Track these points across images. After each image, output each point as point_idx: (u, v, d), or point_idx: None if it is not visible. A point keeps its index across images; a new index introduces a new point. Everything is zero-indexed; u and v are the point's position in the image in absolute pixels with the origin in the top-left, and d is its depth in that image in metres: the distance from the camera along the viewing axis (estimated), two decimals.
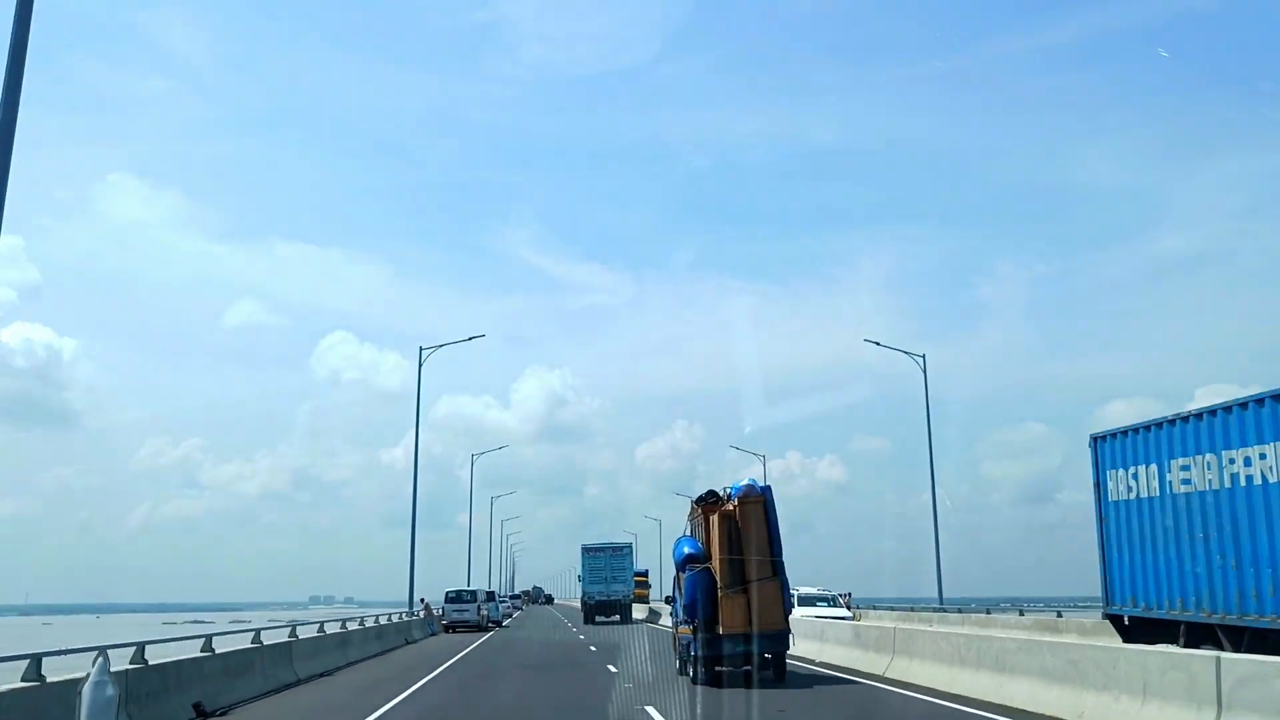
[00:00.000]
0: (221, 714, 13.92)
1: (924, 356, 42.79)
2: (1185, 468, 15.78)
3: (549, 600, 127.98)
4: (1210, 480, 15.02)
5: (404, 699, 15.66)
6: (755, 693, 15.14)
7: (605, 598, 51.48)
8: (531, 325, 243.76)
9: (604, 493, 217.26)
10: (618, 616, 51.23)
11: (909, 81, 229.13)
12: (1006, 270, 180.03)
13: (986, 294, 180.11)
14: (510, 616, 60.61)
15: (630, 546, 55.24)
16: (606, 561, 52.34)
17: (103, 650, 10.74)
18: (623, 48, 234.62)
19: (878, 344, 42.96)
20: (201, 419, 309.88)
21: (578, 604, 58.15)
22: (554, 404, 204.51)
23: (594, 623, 48.43)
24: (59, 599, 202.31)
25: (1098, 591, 18.96)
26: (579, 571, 55.41)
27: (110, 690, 10.19)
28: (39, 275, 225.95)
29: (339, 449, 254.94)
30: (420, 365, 43.18)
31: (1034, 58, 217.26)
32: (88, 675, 10.25)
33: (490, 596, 50.71)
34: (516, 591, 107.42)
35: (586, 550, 53.28)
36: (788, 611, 16.99)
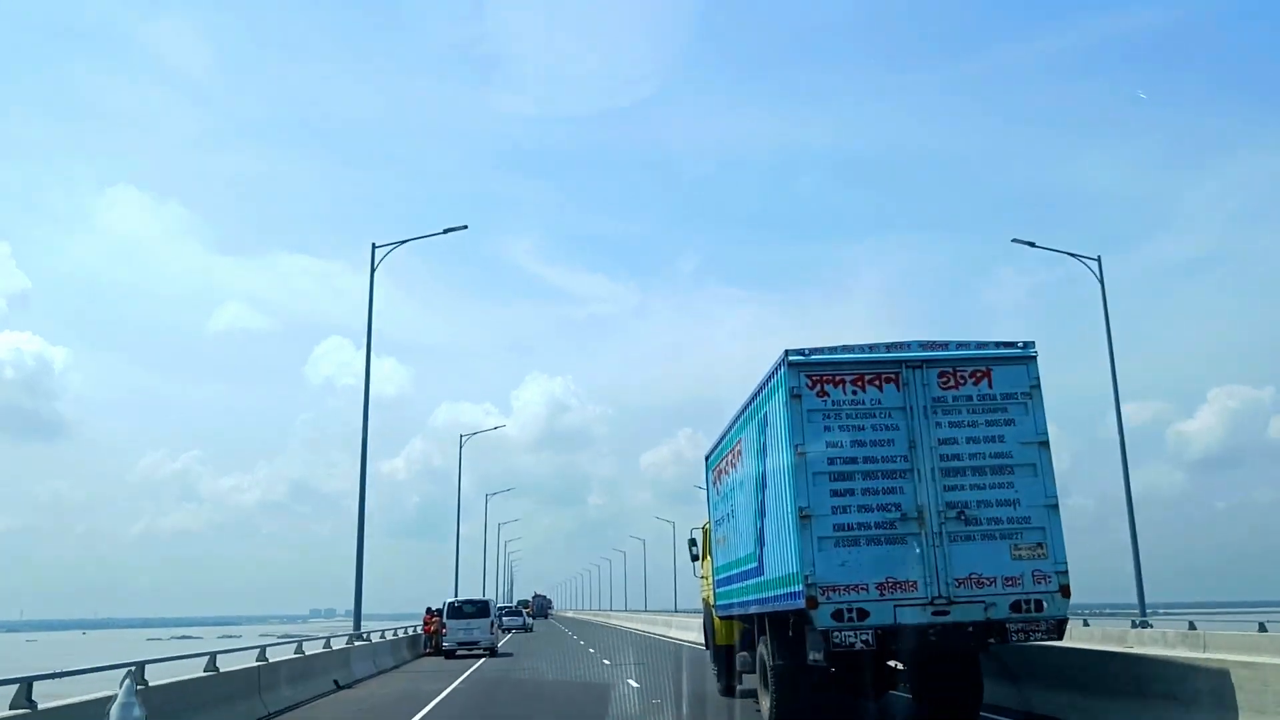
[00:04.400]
0: None
1: None
2: None
3: (544, 612, 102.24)
4: None
5: None
6: None
7: None
8: (533, 334, 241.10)
9: (607, 501, 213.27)
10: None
11: (912, 90, 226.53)
12: (1010, 275, 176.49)
13: (990, 298, 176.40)
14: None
15: None
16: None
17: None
18: (626, 66, 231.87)
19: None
20: (200, 431, 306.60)
21: (605, 619, 43.66)
22: (556, 411, 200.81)
23: None
24: (58, 615, 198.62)
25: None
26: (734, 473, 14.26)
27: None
28: (29, 283, 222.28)
29: (337, 459, 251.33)
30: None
31: (1037, 66, 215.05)
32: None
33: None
34: (514, 602, 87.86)
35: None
36: None
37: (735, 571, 14.14)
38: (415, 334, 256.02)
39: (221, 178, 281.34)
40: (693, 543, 19.35)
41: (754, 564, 12.51)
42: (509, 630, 55.23)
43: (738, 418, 13.54)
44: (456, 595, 43.25)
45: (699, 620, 34.39)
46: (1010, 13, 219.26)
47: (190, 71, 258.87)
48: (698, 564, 19.02)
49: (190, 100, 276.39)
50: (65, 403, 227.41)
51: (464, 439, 51.86)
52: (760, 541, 12.09)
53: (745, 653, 14.92)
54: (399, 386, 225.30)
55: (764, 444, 11.76)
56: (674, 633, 42.82)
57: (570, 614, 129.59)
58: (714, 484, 16.35)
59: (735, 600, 14.33)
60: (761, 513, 11.97)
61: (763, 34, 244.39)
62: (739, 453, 13.60)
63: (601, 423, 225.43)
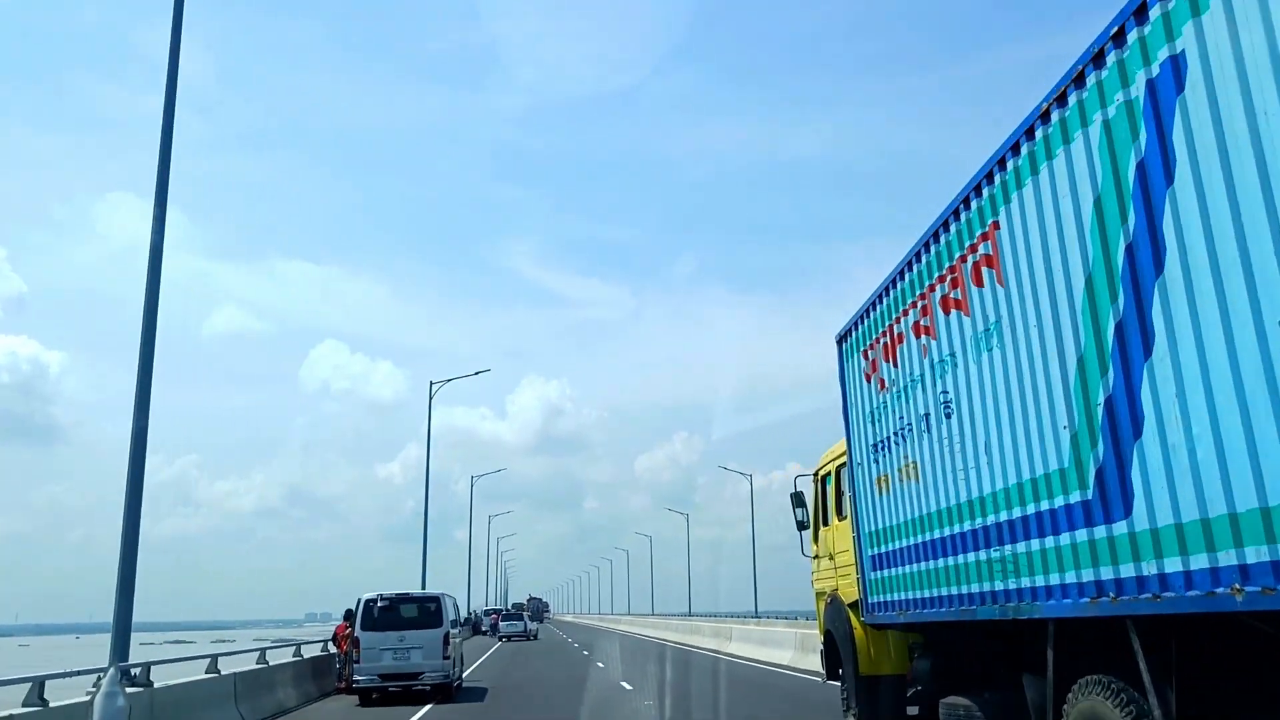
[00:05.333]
0: None
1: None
2: None
3: (540, 616, 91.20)
4: None
5: None
6: None
7: None
8: (530, 338, 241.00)
9: (603, 506, 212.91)
10: None
11: (904, 94, 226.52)
12: None
13: None
14: None
15: None
16: None
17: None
18: (618, 69, 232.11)
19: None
20: (197, 435, 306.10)
21: (598, 623, 39.80)
22: (551, 415, 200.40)
23: None
24: (54, 619, 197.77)
25: None
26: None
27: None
28: (24, 286, 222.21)
29: (334, 464, 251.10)
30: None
31: (1027, 70, 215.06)
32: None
33: None
34: (509, 605, 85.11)
35: None
36: None
37: (955, 531, 7.16)
38: (412, 338, 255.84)
39: (220, 184, 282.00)
40: (799, 499, 11.66)
41: (1074, 494, 5.44)
42: (505, 638, 49.51)
43: (970, 194, 6.81)
44: (424, 588, 29.21)
45: (769, 631, 25.47)
46: (1006, 16, 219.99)
47: (190, 79, 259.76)
48: (806, 534, 11.75)
49: (190, 108, 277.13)
50: (61, 406, 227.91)
51: (435, 386, 43.72)
52: (1113, 434, 5.01)
53: (959, 699, 7.70)
54: (395, 391, 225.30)
55: (1134, 182, 4.74)
56: (738, 648, 28.25)
57: (569, 618, 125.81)
58: (866, 378, 9.35)
59: (955, 590, 7.22)
60: (1118, 355, 4.93)
61: (756, 39, 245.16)
62: (977, 272, 6.70)
63: (597, 427, 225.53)
